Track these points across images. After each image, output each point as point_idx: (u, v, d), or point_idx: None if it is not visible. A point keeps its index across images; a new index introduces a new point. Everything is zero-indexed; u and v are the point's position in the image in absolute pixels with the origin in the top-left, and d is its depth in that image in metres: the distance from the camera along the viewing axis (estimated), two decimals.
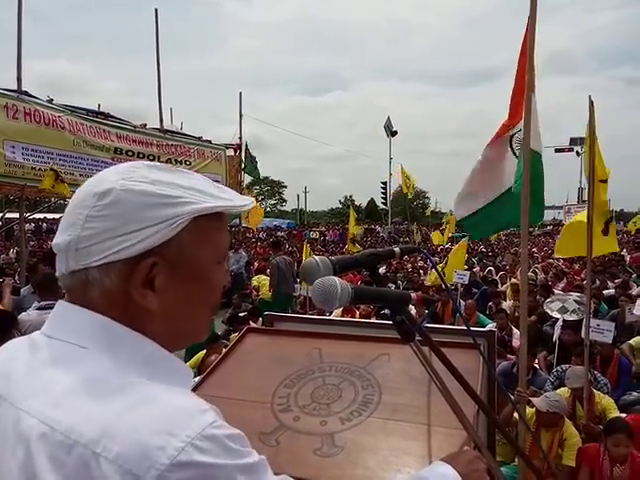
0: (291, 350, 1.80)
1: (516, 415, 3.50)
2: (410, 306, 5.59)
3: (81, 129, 9.40)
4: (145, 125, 11.22)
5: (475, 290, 9.67)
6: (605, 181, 4.32)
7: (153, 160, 8.97)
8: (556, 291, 8.83)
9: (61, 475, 0.60)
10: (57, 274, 0.74)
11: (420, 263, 15.23)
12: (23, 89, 8.47)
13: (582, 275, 11.35)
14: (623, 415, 4.09)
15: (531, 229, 22.11)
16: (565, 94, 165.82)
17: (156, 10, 11.97)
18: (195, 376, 2.06)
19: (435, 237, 19.37)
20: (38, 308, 3.82)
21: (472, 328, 2.21)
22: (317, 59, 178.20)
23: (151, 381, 0.66)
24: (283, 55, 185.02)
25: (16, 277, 9.17)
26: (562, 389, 4.40)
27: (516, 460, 3.63)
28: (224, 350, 1.96)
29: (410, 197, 25.21)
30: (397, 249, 1.23)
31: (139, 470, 0.58)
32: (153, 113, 11.79)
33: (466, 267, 10.42)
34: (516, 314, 6.51)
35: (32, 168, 8.46)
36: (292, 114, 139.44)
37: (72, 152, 9.21)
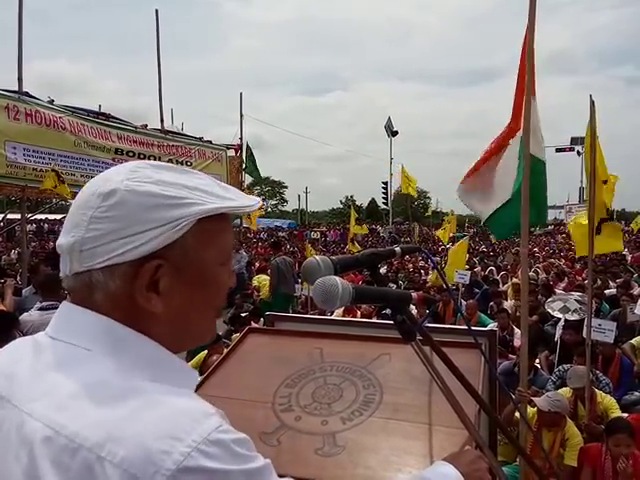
0: (292, 350, 1.80)
1: (517, 415, 3.50)
2: (411, 306, 5.59)
3: (82, 130, 9.42)
4: (146, 126, 11.22)
5: (476, 290, 9.66)
6: (605, 182, 4.32)
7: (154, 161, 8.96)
8: (557, 291, 8.82)
9: (65, 479, 0.59)
10: (61, 275, 0.73)
11: (421, 263, 15.24)
12: (24, 90, 8.49)
13: (583, 275, 11.33)
14: (625, 415, 4.09)
15: (533, 229, 22.11)
16: (566, 93, 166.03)
17: (156, 11, 12.00)
18: None
19: (442, 236, 19.49)
20: (40, 309, 3.83)
21: (473, 328, 2.21)
22: (317, 59, 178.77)
23: (156, 383, 0.66)
24: (283, 55, 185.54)
25: (18, 278, 9.19)
26: (564, 389, 4.39)
27: (518, 460, 3.63)
28: (225, 350, 1.96)
29: (415, 197, 25.25)
30: (398, 249, 1.23)
31: (144, 475, 0.57)
32: (154, 113, 11.83)
33: (467, 267, 10.41)
34: (517, 314, 6.51)
35: (33, 169, 8.48)
36: (292, 114, 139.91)
37: (73, 153, 9.23)
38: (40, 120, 8.61)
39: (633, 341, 6.06)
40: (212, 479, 0.59)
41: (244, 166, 15.14)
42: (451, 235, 19.38)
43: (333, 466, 1.31)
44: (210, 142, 12.94)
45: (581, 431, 3.88)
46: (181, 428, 0.60)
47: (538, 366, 5.48)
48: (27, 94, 8.54)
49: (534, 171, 3.27)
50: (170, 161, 10.97)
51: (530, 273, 9.16)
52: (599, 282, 9.44)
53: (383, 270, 12.67)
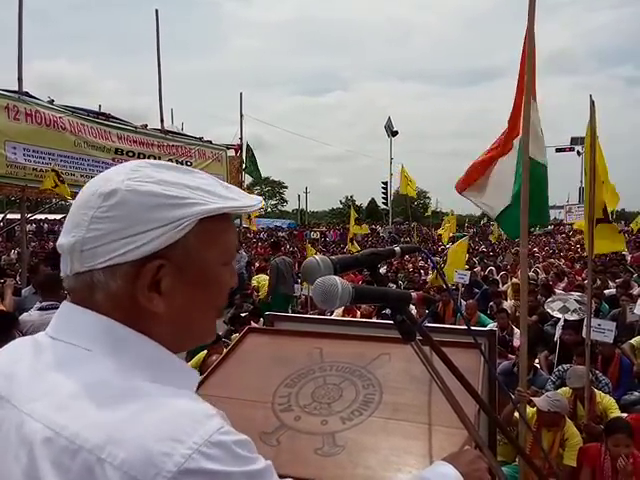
0: (292, 350, 1.80)
1: (517, 415, 3.50)
2: (411, 306, 5.59)
3: (82, 130, 9.42)
4: (146, 126, 11.22)
5: (476, 290, 9.67)
6: (604, 182, 4.33)
7: None
8: (557, 291, 8.82)
9: None
10: (62, 275, 0.73)
11: (421, 263, 15.25)
12: (24, 90, 8.49)
13: (583, 275, 11.34)
14: (624, 415, 4.09)
15: (532, 229, 22.11)
16: (566, 93, 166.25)
17: (156, 11, 12.00)
18: None
19: (443, 235, 19.66)
20: (39, 309, 3.83)
21: (473, 328, 2.21)
22: (317, 59, 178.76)
23: (156, 384, 0.66)
24: (283, 55, 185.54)
25: (17, 278, 9.19)
26: (563, 389, 4.39)
27: (517, 460, 3.63)
28: (225, 350, 1.97)
29: (415, 197, 25.35)
30: (397, 248, 1.24)
31: (145, 477, 0.57)
32: (154, 113, 11.83)
33: (467, 267, 10.42)
34: (517, 314, 6.50)
35: (33, 169, 8.49)
36: (292, 114, 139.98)
37: (73, 153, 9.24)
38: (40, 120, 8.61)
39: (633, 341, 6.06)
40: None
41: (245, 166, 15.14)
42: (451, 235, 19.44)
43: (333, 466, 1.31)
44: (210, 142, 12.95)
45: (580, 431, 3.88)
46: (182, 430, 0.60)
47: (537, 366, 5.48)
48: (27, 94, 8.55)
49: (533, 174, 3.25)
50: (170, 161, 10.89)
51: (530, 273, 9.15)
52: (599, 282, 9.44)
53: (383, 270, 12.68)
